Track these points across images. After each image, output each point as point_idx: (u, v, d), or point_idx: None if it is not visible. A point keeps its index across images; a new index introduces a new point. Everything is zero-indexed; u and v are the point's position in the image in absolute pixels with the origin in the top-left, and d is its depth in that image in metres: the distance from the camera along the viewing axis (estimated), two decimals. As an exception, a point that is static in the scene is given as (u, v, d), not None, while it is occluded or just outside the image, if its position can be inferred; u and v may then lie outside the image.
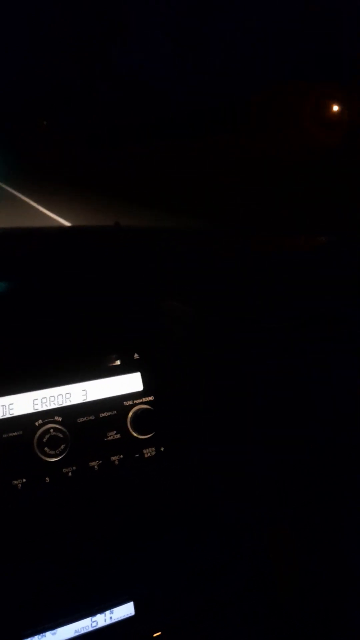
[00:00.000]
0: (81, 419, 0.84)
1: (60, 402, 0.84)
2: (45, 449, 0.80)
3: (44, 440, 0.80)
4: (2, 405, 0.81)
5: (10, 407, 0.81)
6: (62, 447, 0.81)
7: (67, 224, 8.93)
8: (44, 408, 0.83)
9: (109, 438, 0.85)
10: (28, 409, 0.82)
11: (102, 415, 0.86)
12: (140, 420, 0.87)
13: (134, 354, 0.91)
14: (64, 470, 0.82)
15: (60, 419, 0.83)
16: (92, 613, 0.82)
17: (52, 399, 0.84)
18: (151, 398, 0.90)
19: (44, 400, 0.83)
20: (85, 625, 0.81)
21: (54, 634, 0.80)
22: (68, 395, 0.85)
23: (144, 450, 0.87)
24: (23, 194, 14.15)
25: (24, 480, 0.79)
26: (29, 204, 12.25)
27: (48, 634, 0.79)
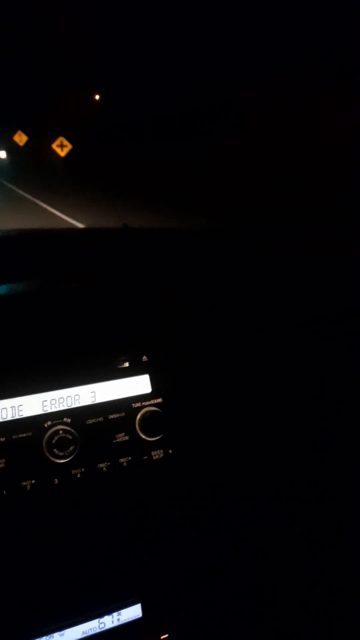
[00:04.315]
0: (90, 421, 0.84)
1: (69, 404, 0.84)
2: (55, 450, 0.80)
3: (53, 441, 0.80)
4: (12, 407, 0.80)
5: (20, 408, 0.81)
6: (71, 448, 0.81)
7: (77, 224, 8.94)
8: (53, 409, 0.83)
9: (118, 440, 0.85)
10: (37, 411, 0.82)
11: (111, 417, 0.86)
12: (149, 422, 0.87)
13: (143, 356, 0.91)
14: (73, 471, 0.82)
15: (69, 420, 0.83)
16: (100, 614, 0.82)
17: (61, 400, 0.84)
18: (159, 400, 0.90)
19: (53, 401, 0.83)
20: (93, 626, 0.82)
21: (62, 635, 0.80)
22: (77, 397, 0.85)
23: (152, 453, 0.87)
24: (33, 195, 14.29)
25: (33, 481, 0.79)
26: (40, 205, 12.30)
27: (56, 634, 0.80)
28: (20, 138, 25.43)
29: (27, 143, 26.05)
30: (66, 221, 9.77)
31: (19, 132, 25.47)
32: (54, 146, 16.08)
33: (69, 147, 16.07)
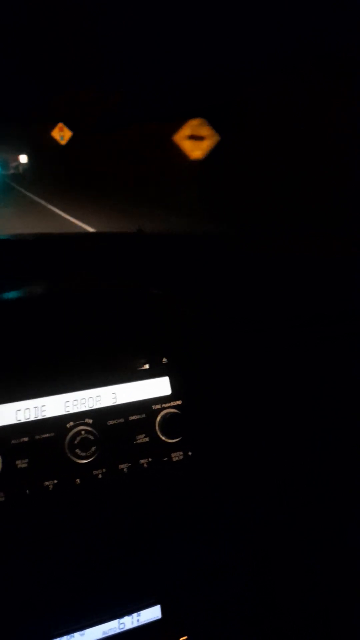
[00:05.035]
0: (111, 422, 0.85)
1: (90, 405, 0.85)
2: (77, 450, 0.81)
3: (75, 442, 0.81)
4: (35, 407, 0.81)
5: (43, 408, 0.82)
6: (93, 449, 0.82)
7: (90, 229, 8.86)
8: (75, 410, 0.84)
9: (138, 441, 0.86)
10: (60, 411, 0.83)
11: (131, 418, 0.87)
12: (169, 424, 0.87)
13: (163, 359, 0.92)
14: (94, 472, 0.82)
15: (90, 421, 0.84)
16: (120, 615, 0.83)
17: (82, 401, 0.84)
18: (179, 402, 0.90)
19: (75, 402, 0.84)
20: (112, 627, 0.82)
21: (82, 634, 0.80)
22: (98, 398, 0.86)
23: (172, 454, 0.88)
24: (46, 200, 13.80)
25: (55, 481, 0.80)
26: (53, 210, 12.08)
27: (76, 634, 0.80)
28: (62, 134, 17.07)
29: (71, 140, 17.38)
30: (76, 224, 9.71)
31: (60, 125, 17.02)
32: (181, 139, 7.13)
33: (209, 142, 7.20)
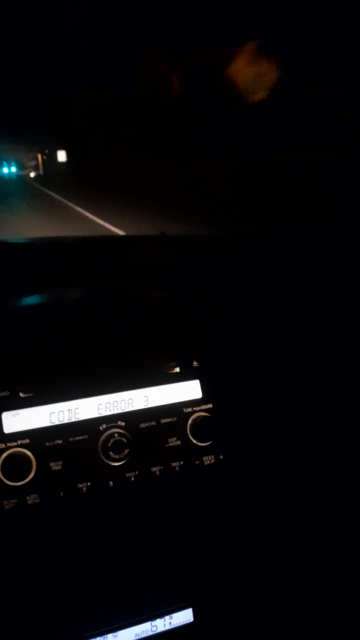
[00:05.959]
0: (143, 425, 0.85)
1: (123, 408, 0.85)
2: (110, 453, 0.81)
3: (109, 444, 0.81)
4: (69, 410, 0.81)
5: (76, 411, 0.82)
6: (126, 452, 0.82)
7: (119, 232, 8.78)
8: (108, 413, 0.84)
9: (170, 444, 0.86)
10: (93, 414, 0.83)
11: (163, 421, 0.87)
12: (200, 427, 0.87)
13: (194, 362, 0.92)
14: (127, 474, 0.82)
15: (123, 423, 0.84)
16: (153, 617, 0.83)
17: (115, 404, 0.85)
18: (210, 406, 0.90)
19: (108, 405, 0.84)
20: (145, 629, 0.83)
21: (115, 636, 0.81)
22: (130, 401, 0.86)
23: (204, 458, 0.88)
24: (77, 204, 13.65)
25: (89, 483, 0.80)
26: (82, 214, 11.98)
27: (110, 636, 0.81)
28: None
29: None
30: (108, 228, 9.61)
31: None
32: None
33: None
